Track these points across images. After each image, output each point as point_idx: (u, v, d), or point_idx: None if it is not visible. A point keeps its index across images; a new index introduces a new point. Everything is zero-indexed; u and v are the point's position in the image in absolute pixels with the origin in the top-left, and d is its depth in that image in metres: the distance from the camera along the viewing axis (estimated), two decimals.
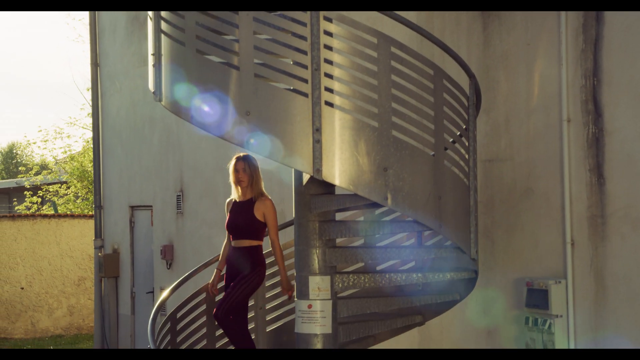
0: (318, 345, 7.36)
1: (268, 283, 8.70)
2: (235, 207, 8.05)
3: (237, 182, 8.01)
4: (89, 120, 28.40)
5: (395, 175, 6.69)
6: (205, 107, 6.56)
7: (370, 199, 6.74)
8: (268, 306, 8.72)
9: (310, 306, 7.33)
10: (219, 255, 8.31)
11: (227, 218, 8.08)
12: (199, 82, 6.54)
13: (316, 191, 7.41)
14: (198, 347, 8.61)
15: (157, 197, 14.94)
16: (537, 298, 7.72)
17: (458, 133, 7.23)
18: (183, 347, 8.54)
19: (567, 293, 7.63)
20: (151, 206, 15.19)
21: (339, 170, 6.56)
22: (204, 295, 8.64)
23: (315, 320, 7.36)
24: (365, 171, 6.62)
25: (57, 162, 29.67)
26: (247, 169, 8.01)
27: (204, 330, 8.64)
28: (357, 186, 6.60)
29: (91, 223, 20.98)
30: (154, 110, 15.01)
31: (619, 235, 7.24)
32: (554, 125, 7.74)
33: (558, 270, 7.74)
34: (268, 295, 8.76)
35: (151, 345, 7.63)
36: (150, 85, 6.90)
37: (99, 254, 16.57)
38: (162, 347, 8.03)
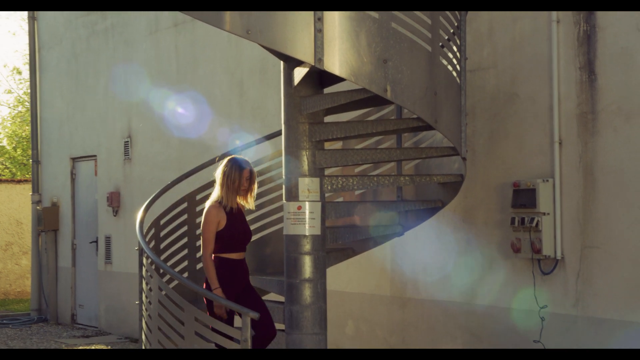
0: (307, 246, 7.38)
1: None
2: (235, 216, 7.32)
3: (244, 191, 7.34)
4: (5, 97, 27.89)
5: (394, 67, 6.76)
6: None
7: (370, 91, 6.78)
8: (248, 218, 8.70)
9: (299, 207, 7.34)
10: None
11: (232, 228, 7.27)
12: None
13: (306, 93, 7.44)
14: (180, 255, 8.59)
15: (102, 146, 14.74)
16: (524, 198, 7.88)
17: (451, 31, 7.36)
18: (166, 254, 8.50)
19: (554, 191, 7.81)
20: (95, 156, 14.98)
21: (339, 60, 6.59)
22: (185, 204, 8.62)
23: (304, 222, 7.37)
24: (365, 62, 6.66)
25: None
26: (253, 176, 7.42)
27: (185, 239, 8.62)
28: (358, 77, 6.65)
29: (19, 188, 20.59)
30: (99, 59, 14.82)
31: (611, 128, 7.43)
32: (542, 28, 7.91)
33: (545, 171, 7.91)
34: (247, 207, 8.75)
35: (142, 244, 7.56)
36: None
37: (37, 208, 16.27)
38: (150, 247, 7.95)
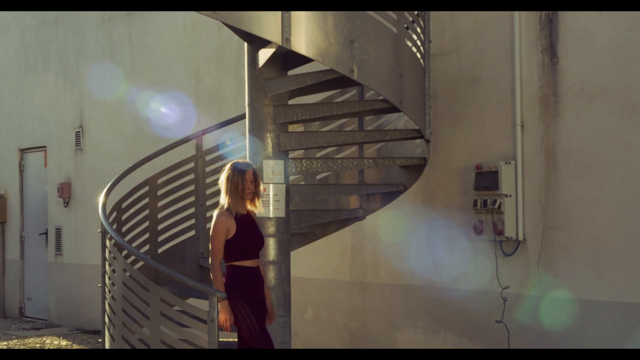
0: (271, 228, 7.39)
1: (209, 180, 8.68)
2: (245, 221, 6.92)
3: (249, 194, 6.90)
4: None
5: (361, 48, 6.81)
6: None
7: (337, 72, 6.83)
8: (208, 203, 8.70)
9: (264, 190, 7.32)
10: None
11: (243, 234, 6.86)
12: None
13: (271, 75, 7.45)
14: (143, 238, 8.53)
15: (52, 137, 14.57)
16: (486, 180, 7.97)
17: (416, 13, 7.42)
18: (128, 237, 8.44)
19: (516, 173, 7.91)
20: (45, 147, 14.81)
21: (306, 41, 6.62)
22: (147, 187, 8.58)
23: (269, 204, 7.37)
24: (332, 43, 6.70)
25: None
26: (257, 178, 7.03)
27: (147, 223, 8.57)
28: (325, 57, 6.69)
29: None
30: (49, 48, 14.65)
31: (574, 110, 7.55)
32: (504, 11, 8.00)
33: (507, 153, 8.00)
34: (208, 192, 8.74)
35: (107, 227, 7.50)
36: None
37: None
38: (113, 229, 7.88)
